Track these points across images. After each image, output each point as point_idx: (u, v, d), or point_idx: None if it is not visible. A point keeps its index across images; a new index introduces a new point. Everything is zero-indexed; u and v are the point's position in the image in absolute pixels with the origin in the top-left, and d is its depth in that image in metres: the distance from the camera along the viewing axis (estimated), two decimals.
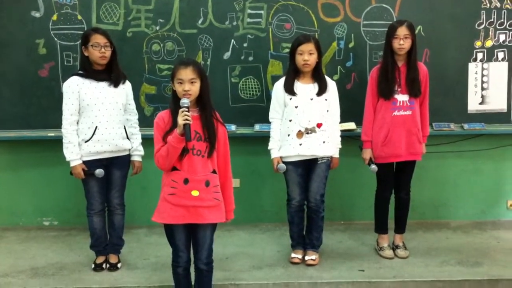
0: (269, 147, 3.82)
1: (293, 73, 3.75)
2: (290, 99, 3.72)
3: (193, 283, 3.22)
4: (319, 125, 3.70)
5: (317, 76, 3.75)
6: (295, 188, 3.81)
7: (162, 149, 2.93)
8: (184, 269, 3.14)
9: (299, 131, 3.69)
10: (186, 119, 2.81)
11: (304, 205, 3.86)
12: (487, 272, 3.70)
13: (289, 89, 3.72)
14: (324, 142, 3.72)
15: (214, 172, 3.03)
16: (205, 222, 3.01)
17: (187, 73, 2.90)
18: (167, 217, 3.00)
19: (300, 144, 3.69)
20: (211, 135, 2.98)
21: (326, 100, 3.73)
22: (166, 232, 3.10)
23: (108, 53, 3.52)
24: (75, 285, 3.51)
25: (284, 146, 3.75)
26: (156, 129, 2.99)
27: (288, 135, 3.72)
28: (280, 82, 3.80)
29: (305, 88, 3.73)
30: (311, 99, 3.71)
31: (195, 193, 2.95)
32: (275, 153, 3.79)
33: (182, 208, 2.96)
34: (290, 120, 3.72)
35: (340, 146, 3.84)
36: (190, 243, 3.11)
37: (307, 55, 3.63)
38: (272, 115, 3.84)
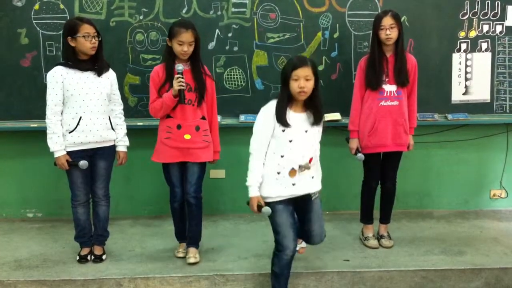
0: (247, 183, 3.09)
1: (286, 100, 3.06)
2: (283, 131, 3.04)
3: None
4: (310, 160, 3.12)
5: (312, 104, 3.09)
6: (288, 233, 3.12)
7: (156, 102, 3.48)
8: (180, 203, 3.70)
9: (293, 168, 3.07)
10: (181, 85, 3.34)
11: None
12: (470, 261, 3.74)
13: (282, 120, 3.03)
14: (312, 177, 3.18)
15: (203, 118, 3.57)
16: (196, 161, 3.57)
17: (188, 36, 3.41)
18: (163, 157, 3.58)
19: (293, 184, 3.09)
20: (200, 86, 3.52)
21: (318, 131, 3.19)
22: (164, 171, 3.68)
23: (97, 43, 3.50)
24: (59, 277, 3.49)
25: (272, 185, 3.09)
26: (152, 82, 3.53)
27: (278, 172, 3.08)
28: (270, 109, 3.08)
29: (299, 118, 3.09)
30: (306, 131, 3.10)
31: (187, 136, 3.51)
32: (254, 191, 3.08)
33: (176, 149, 3.53)
34: (282, 156, 3.07)
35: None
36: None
37: (303, 81, 2.98)
38: (256, 146, 3.10)
